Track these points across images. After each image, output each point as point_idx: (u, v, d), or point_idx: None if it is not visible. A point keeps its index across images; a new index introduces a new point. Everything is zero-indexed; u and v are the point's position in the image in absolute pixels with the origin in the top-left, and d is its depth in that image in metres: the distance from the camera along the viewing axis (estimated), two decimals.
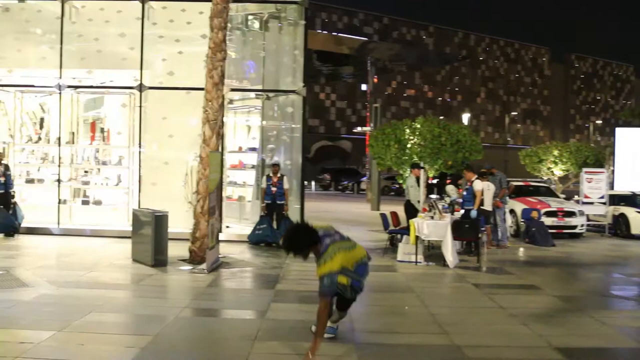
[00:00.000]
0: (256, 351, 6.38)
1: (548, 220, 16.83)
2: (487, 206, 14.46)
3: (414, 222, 12.40)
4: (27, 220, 15.40)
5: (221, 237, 15.06)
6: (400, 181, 19.45)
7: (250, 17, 16.92)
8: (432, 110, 75.42)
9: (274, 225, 14.85)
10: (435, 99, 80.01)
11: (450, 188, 15.79)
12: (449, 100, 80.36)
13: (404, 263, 12.41)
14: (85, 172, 16.75)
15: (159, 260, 11.48)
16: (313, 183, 53.59)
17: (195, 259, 11.82)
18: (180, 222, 13.56)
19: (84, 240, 14.64)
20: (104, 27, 15.85)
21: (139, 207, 15.32)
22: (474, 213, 13.49)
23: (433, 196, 16.03)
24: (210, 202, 11.33)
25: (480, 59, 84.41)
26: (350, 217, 23.86)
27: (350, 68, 48.95)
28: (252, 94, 17.03)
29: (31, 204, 16.07)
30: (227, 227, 16.71)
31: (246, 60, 17.38)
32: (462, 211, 13.86)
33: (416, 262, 12.31)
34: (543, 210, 17.02)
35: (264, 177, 15.18)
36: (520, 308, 8.61)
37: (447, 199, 15.66)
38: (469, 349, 6.65)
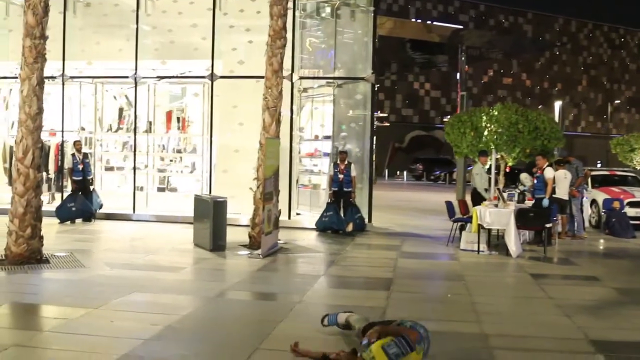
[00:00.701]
0: (277, 333, 6.36)
1: (631, 211, 15.92)
2: (563, 195, 13.90)
3: (477, 210, 12.05)
4: (106, 206, 16.08)
5: (290, 224, 15.30)
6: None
7: (321, 4, 16.89)
8: (530, 98, 72.94)
9: (341, 212, 14.80)
10: (534, 88, 77.29)
11: (524, 176, 15.17)
12: (547, 88, 77.45)
13: (466, 252, 12.08)
14: (161, 159, 17.30)
15: (218, 245, 11.68)
16: (405, 173, 53.06)
17: (254, 244, 11.94)
18: (250, 209, 13.73)
19: (157, 226, 15.12)
20: (177, 18, 16.30)
21: (210, 194, 15.70)
22: (545, 202, 12.93)
23: (499, 186, 15.46)
24: (267, 187, 11.41)
25: (582, 45, 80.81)
26: (428, 206, 23.48)
27: (444, 57, 48.17)
28: (324, 82, 16.99)
29: (110, 191, 16.76)
30: (298, 214, 16.84)
31: (317, 48, 17.41)
32: (534, 200, 13.33)
33: (478, 251, 11.95)
34: (626, 201, 16.10)
35: (331, 165, 15.16)
36: (571, 299, 8.19)
37: (521, 187, 15.08)
38: (495, 337, 6.39)
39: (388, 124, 55.99)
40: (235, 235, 12.07)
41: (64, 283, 8.64)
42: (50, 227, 14.09)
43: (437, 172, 49.86)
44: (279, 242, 12.54)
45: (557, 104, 41.86)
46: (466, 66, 40.87)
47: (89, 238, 13.09)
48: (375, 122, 23.86)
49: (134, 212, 16.40)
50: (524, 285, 9.38)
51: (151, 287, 8.50)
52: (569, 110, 71.25)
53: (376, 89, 16.42)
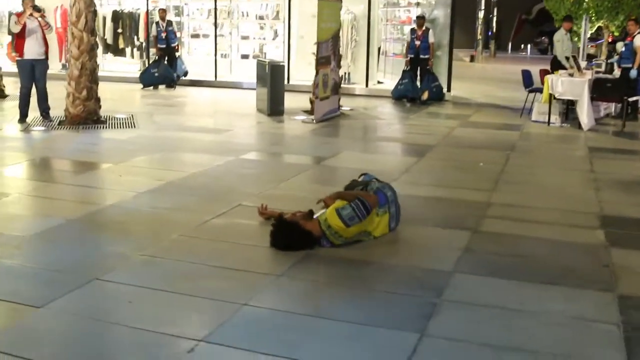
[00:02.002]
0: (272, 192, 6.30)
1: None
2: None
3: (548, 79, 11.15)
4: (192, 73, 16.38)
5: (368, 92, 14.98)
6: (575, 39, 17.41)
7: None
8: None
9: (418, 80, 14.25)
10: None
11: (620, 45, 13.76)
12: None
13: (537, 123, 11.33)
14: (246, 26, 17.23)
15: (275, 109, 11.64)
16: (529, 47, 50.07)
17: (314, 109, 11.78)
18: None
19: (235, 92, 15.23)
20: None
21: (288, 60, 15.56)
22: (633, 73, 11.70)
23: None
24: (322, 52, 11.06)
25: None
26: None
27: None
28: None
29: (195, 58, 17.01)
30: (379, 82, 16.43)
31: None
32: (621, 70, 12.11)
33: (549, 122, 11.17)
34: None
35: (409, 31, 14.45)
36: (613, 174, 7.50)
37: (616, 57, 13.74)
38: (497, 206, 6.03)
39: None
40: (305, 101, 11.90)
41: (104, 141, 8.97)
42: (133, 92, 14.67)
43: None
44: (344, 108, 12.32)
45: None
46: None
47: (160, 102, 13.42)
48: None
49: (215, 78, 16.62)
50: (573, 157, 8.70)
51: (184, 146, 8.63)
52: None
53: None
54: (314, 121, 10.89)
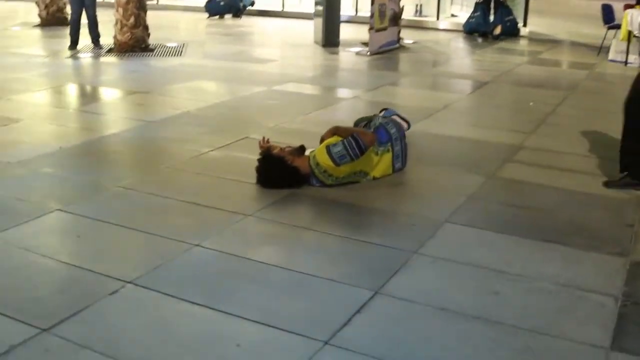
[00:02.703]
0: (283, 125, 5.91)
1: None
2: None
3: (628, 13, 10.05)
4: (259, 2, 16.00)
5: (440, 25, 14.17)
6: None
7: None
8: None
9: (491, 13, 13.30)
10: None
11: None
12: None
13: (614, 63, 10.31)
14: None
15: (330, 40, 11.16)
16: None
17: None
18: None
19: (299, 23, 14.71)
20: None
21: None
22: None
23: None
24: None
25: None
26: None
27: None
28: None
29: None
30: (453, 15, 15.52)
31: None
32: None
33: (626, 62, 10.13)
34: None
35: None
36: None
37: None
38: (525, 150, 5.41)
39: None
40: (366, 33, 11.27)
41: (142, 69, 8.76)
42: (197, 21, 14.44)
43: None
44: (405, 41, 11.66)
45: None
46: None
47: (220, 32, 13.13)
48: None
49: (283, 8, 16.13)
50: None
51: (220, 76, 8.34)
52: None
53: None
54: (369, 53, 10.32)
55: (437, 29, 14.29)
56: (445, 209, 4.03)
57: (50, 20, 12.94)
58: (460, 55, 11.22)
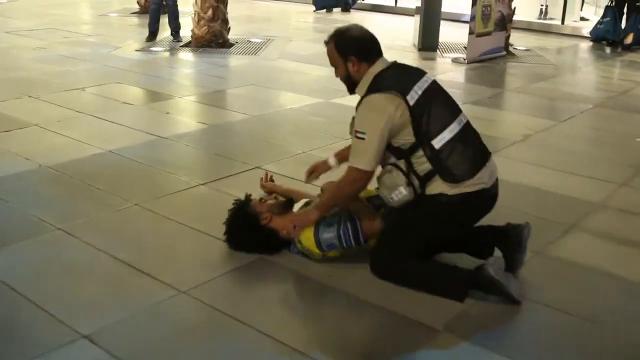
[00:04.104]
0: (321, 148, 4.95)
1: None
2: None
3: None
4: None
5: (564, 30, 12.62)
6: None
7: None
8: None
9: (623, 19, 11.56)
10: None
11: None
12: None
13: None
14: None
15: (427, 43, 10.00)
16: None
17: None
18: None
19: (410, 20, 13.52)
20: None
21: None
22: None
23: None
24: None
25: None
26: None
27: None
28: None
29: None
30: (583, 19, 13.77)
31: None
32: None
33: None
34: None
35: None
36: None
37: None
38: (609, 212, 4.12)
39: None
40: None
41: (205, 68, 8.08)
42: (302, 14, 13.70)
43: None
44: (516, 47, 10.29)
45: None
46: None
47: (317, 27, 12.30)
48: None
49: (396, 4, 15.05)
50: None
51: (284, 81, 7.50)
52: None
53: None
54: (466, 61, 9.08)
55: (561, 34, 12.65)
56: (438, 319, 2.91)
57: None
58: (577, 68, 9.68)
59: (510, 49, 10.12)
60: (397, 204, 3.03)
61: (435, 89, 3.12)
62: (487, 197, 3.04)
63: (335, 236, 3.17)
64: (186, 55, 8.93)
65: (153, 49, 9.17)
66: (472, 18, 9.03)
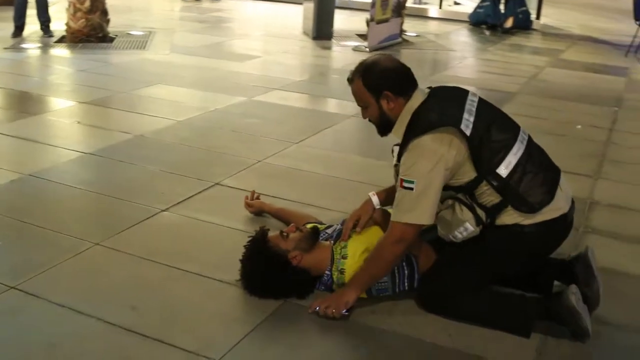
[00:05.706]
0: (279, 154, 4.40)
1: None
2: None
3: None
4: None
5: (442, 14, 12.73)
6: None
7: None
8: None
9: (501, 4, 11.84)
10: None
11: None
12: None
13: None
14: None
15: (321, 32, 9.65)
16: None
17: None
18: None
19: (289, 8, 13.10)
20: None
21: None
22: None
23: None
24: None
25: None
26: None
27: None
28: None
29: None
30: (456, 3, 14.04)
31: None
32: None
33: None
34: None
35: None
36: None
37: None
38: (603, 210, 3.95)
39: None
40: (362, 23, 9.71)
41: (95, 67, 7.13)
42: (171, 3, 12.81)
43: None
44: (408, 34, 10.15)
45: None
46: None
47: (193, 17, 11.51)
48: None
49: None
50: None
51: (188, 78, 6.77)
52: None
53: None
54: (368, 49, 8.79)
55: (439, 19, 12.78)
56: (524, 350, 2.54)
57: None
58: (472, 54, 9.73)
59: (403, 35, 9.98)
60: (460, 240, 2.61)
61: (486, 107, 2.70)
62: (566, 223, 2.67)
63: (389, 282, 2.70)
64: (64, 53, 7.93)
65: (23, 46, 8.06)
66: (373, 5, 8.74)
